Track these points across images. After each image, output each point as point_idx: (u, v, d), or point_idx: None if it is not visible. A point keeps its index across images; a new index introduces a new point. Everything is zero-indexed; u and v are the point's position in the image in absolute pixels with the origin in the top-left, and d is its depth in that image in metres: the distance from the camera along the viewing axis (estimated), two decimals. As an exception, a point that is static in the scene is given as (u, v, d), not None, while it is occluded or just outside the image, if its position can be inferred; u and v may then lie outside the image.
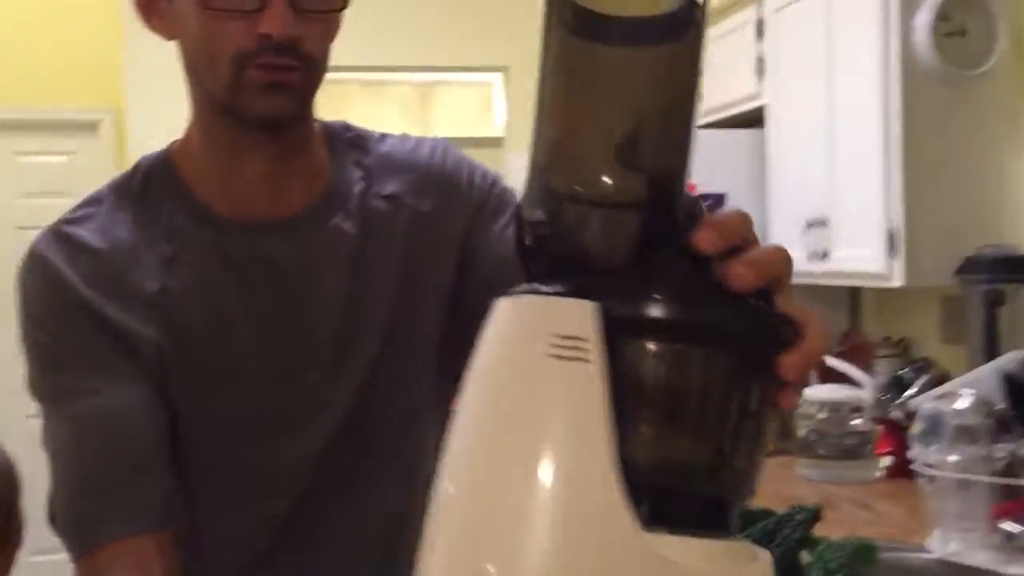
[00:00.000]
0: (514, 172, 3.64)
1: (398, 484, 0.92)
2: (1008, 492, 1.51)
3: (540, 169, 0.49)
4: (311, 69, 0.83)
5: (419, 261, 0.91)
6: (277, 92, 0.81)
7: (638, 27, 0.47)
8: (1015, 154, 2.49)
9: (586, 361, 0.43)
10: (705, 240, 0.45)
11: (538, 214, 0.49)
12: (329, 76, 0.86)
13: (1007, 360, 1.57)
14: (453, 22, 4.29)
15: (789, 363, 0.45)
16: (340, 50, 0.87)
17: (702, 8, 0.46)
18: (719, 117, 3.19)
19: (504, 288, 0.91)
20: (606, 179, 0.47)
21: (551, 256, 0.49)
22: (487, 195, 0.94)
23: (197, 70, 0.85)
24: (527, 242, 0.50)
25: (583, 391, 0.43)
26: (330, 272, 0.88)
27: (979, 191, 2.42)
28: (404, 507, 0.92)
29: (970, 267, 2.20)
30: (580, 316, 0.44)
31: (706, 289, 0.46)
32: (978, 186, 2.42)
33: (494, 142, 4.69)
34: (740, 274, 0.44)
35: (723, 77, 3.03)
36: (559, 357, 0.44)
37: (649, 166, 0.47)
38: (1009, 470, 1.51)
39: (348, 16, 0.85)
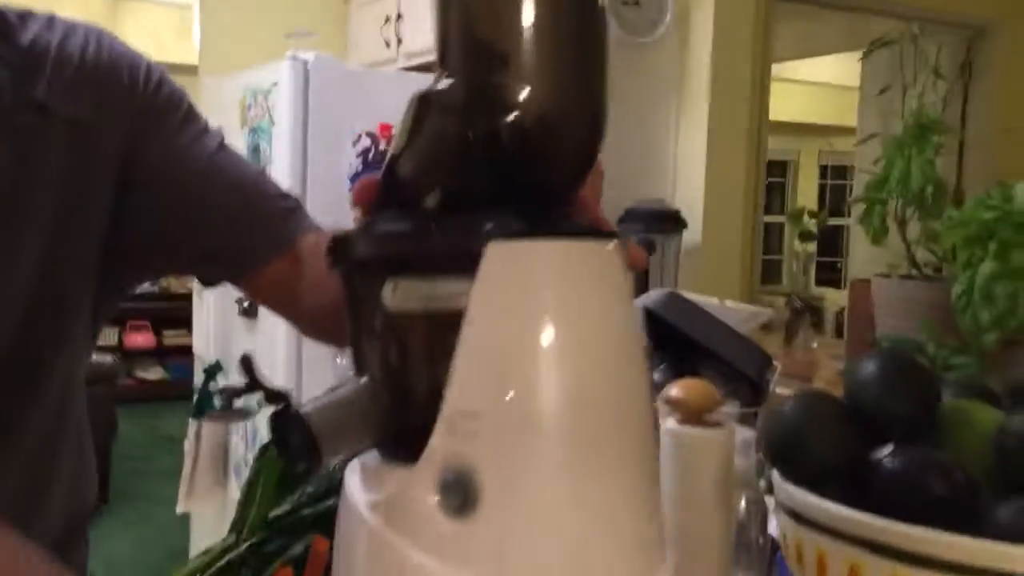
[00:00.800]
0: (209, 100, 3.51)
1: (53, 415, 0.88)
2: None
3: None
4: None
5: (76, 179, 0.81)
6: None
7: None
8: (675, 118, 2.78)
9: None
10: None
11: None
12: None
13: (649, 297, 1.77)
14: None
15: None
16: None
17: None
18: (426, 60, 3.28)
19: (177, 200, 0.88)
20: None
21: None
22: (152, 96, 0.86)
23: None
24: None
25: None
26: None
27: (644, 150, 2.67)
28: (55, 435, 0.88)
29: (628, 218, 2.44)
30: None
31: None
32: (643, 145, 2.67)
33: (190, 69, 4.47)
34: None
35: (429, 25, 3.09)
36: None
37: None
38: (646, 393, 1.71)
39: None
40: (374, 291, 0.49)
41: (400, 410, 0.49)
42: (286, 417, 0.48)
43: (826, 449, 0.68)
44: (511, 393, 0.44)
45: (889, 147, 1.56)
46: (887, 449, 0.66)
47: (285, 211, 0.89)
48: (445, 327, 0.46)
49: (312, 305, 0.87)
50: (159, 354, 6.38)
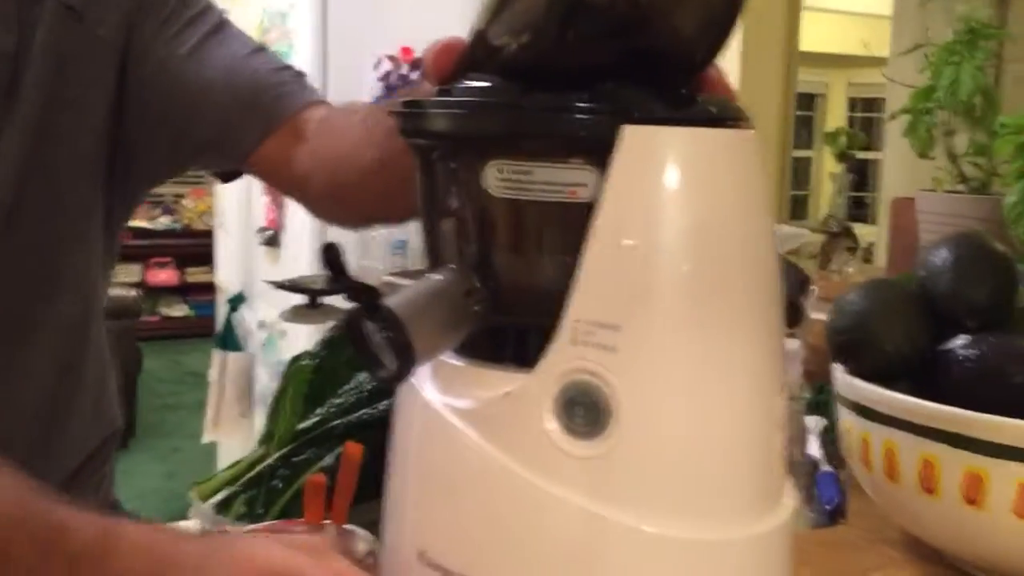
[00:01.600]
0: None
1: (75, 322, 0.85)
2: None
3: None
4: None
5: (72, 62, 0.79)
6: None
7: None
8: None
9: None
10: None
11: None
12: None
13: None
14: None
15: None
16: None
17: None
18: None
19: (170, 89, 0.83)
20: None
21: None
22: None
23: None
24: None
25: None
26: None
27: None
28: (76, 355, 0.86)
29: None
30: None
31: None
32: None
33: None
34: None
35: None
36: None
37: None
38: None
39: None
40: (465, 172, 0.43)
41: (498, 307, 0.43)
42: (373, 313, 0.40)
43: (896, 340, 0.63)
44: (654, 304, 0.39)
45: (937, 54, 1.49)
46: (962, 339, 0.62)
47: (277, 85, 0.84)
48: (560, 216, 0.41)
49: (324, 184, 0.83)
50: (182, 291, 6.38)
